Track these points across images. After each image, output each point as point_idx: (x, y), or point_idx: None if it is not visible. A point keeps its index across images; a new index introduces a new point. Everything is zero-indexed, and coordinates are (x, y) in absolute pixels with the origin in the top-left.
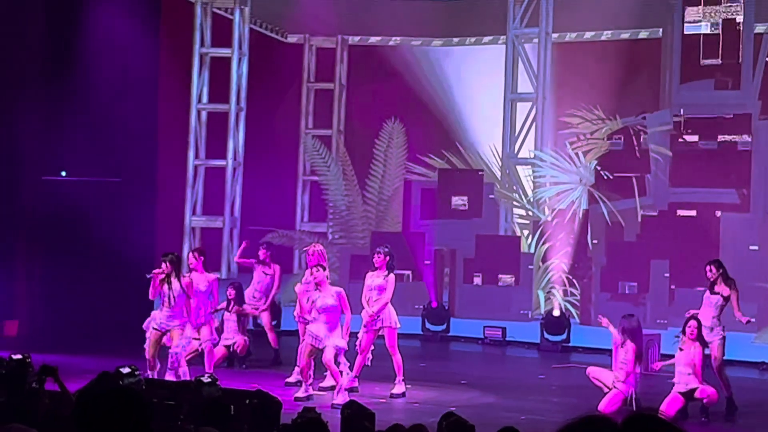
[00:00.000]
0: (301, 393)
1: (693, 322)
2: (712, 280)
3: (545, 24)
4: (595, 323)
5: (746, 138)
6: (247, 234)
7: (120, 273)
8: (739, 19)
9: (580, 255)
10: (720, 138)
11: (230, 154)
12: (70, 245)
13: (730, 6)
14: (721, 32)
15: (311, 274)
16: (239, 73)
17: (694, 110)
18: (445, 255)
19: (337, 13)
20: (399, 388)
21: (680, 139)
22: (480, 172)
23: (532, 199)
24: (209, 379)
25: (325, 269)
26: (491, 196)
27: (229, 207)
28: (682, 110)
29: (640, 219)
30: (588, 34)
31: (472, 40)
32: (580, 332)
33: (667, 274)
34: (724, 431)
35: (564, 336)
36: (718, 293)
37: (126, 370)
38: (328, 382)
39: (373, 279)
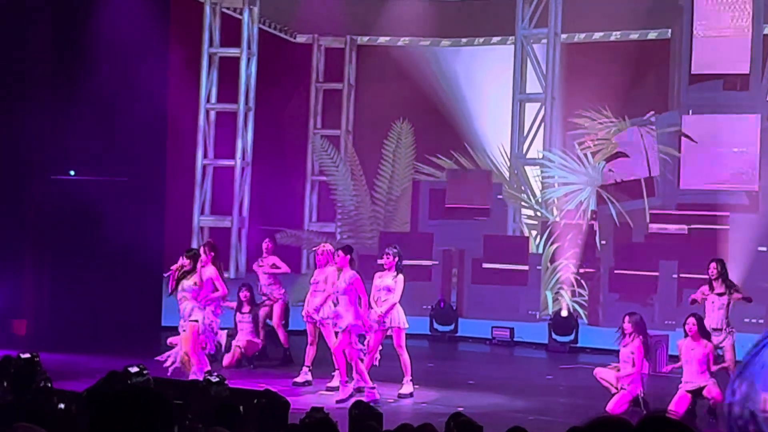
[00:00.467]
0: (341, 395)
1: (691, 319)
2: (712, 278)
3: (554, 24)
4: (602, 324)
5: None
6: (256, 234)
7: (128, 272)
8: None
9: (588, 256)
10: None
11: (239, 154)
12: (79, 245)
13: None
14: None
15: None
16: (248, 72)
17: (703, 111)
18: (454, 255)
19: (345, 13)
20: (407, 388)
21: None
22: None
23: (540, 200)
24: (217, 379)
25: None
26: (500, 197)
27: (238, 207)
28: (690, 111)
29: (648, 220)
30: (597, 35)
31: (481, 40)
32: (588, 333)
33: (675, 275)
34: None
35: (572, 337)
36: (720, 293)
37: (134, 369)
38: (335, 382)
39: (382, 279)
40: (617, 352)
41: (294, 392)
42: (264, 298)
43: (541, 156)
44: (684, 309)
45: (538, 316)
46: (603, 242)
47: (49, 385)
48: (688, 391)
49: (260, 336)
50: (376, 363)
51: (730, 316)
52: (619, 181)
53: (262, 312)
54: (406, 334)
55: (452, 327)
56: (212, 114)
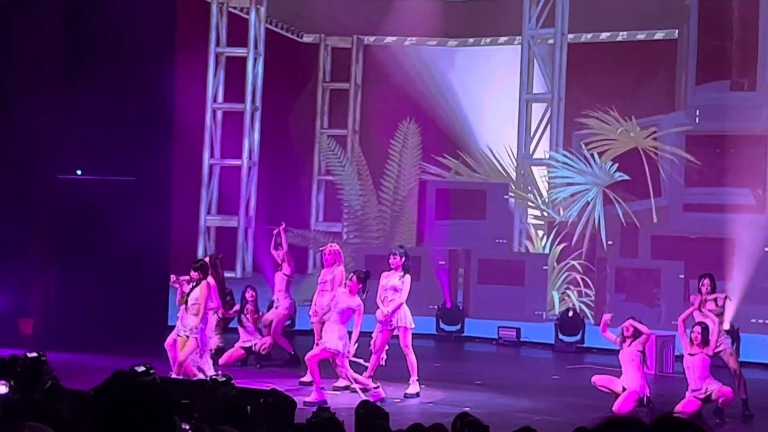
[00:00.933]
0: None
1: (697, 328)
2: (707, 297)
3: (561, 25)
4: (609, 324)
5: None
6: (263, 233)
7: (135, 272)
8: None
9: (594, 256)
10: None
11: (245, 154)
12: (85, 244)
13: None
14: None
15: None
16: (255, 72)
17: (710, 112)
18: (460, 255)
19: (352, 12)
20: (413, 388)
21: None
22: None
23: (547, 200)
24: (224, 378)
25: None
26: (506, 197)
27: (244, 206)
28: (697, 111)
29: (655, 220)
30: (603, 35)
31: (488, 40)
32: (594, 333)
33: (681, 275)
34: None
35: (578, 337)
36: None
37: (141, 368)
38: (342, 382)
39: (388, 279)
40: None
41: (300, 392)
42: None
43: (547, 156)
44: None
45: (544, 316)
46: (609, 242)
47: (55, 384)
48: (697, 398)
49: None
50: (383, 363)
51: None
52: (626, 180)
53: (265, 319)
54: (413, 334)
55: (459, 327)
56: (219, 114)
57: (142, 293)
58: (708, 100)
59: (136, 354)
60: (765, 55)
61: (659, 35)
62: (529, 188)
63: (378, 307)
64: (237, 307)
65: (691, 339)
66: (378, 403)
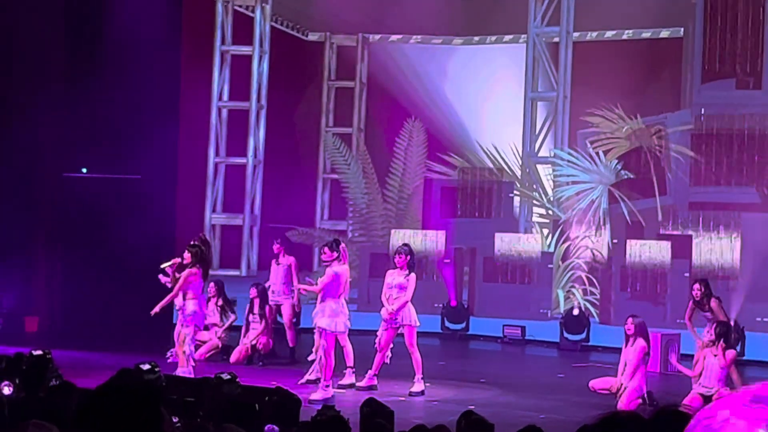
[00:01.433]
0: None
1: (715, 327)
2: (696, 299)
3: (566, 23)
4: (614, 323)
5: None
6: (268, 231)
7: (140, 270)
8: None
9: (599, 254)
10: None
11: (250, 152)
12: (90, 242)
13: None
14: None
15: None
16: (260, 70)
17: (716, 110)
18: (465, 253)
19: (357, 11)
20: (418, 386)
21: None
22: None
23: (552, 198)
24: (229, 377)
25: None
26: (511, 195)
27: (249, 204)
28: (703, 110)
29: (660, 218)
30: (609, 33)
31: (493, 38)
32: (599, 331)
33: (687, 274)
34: None
35: (583, 335)
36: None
37: (146, 366)
38: (347, 380)
39: (394, 277)
40: None
41: (305, 390)
42: (273, 296)
43: (552, 154)
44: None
45: (549, 315)
46: (615, 241)
47: (60, 382)
48: (701, 395)
49: (271, 335)
50: (387, 361)
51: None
52: (631, 179)
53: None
54: (418, 333)
55: (464, 325)
56: (224, 112)
57: (147, 291)
58: (713, 98)
59: (141, 352)
60: None
61: (665, 33)
62: (535, 187)
63: (383, 305)
64: (233, 317)
65: (711, 341)
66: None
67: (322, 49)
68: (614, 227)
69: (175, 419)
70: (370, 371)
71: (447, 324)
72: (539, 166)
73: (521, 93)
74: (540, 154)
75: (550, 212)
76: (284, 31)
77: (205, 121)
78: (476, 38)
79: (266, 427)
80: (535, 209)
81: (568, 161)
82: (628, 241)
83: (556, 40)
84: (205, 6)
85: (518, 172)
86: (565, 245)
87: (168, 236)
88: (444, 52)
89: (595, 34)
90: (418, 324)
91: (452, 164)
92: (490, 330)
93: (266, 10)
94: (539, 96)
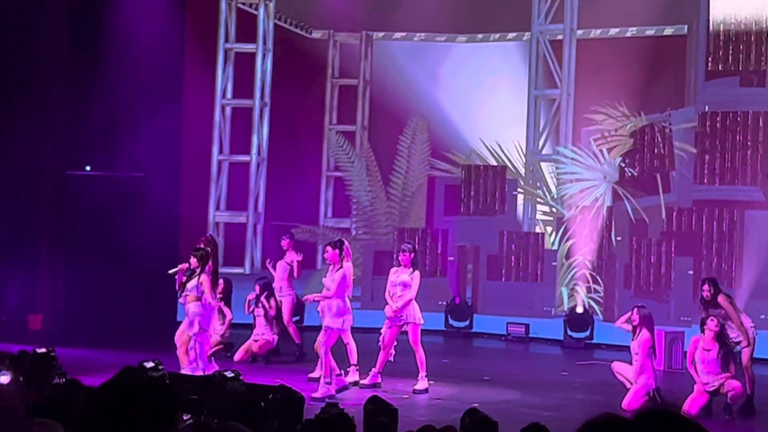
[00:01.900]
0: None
1: (714, 321)
2: (708, 299)
3: (570, 20)
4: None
5: None
6: (271, 229)
7: (143, 268)
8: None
9: (603, 252)
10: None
11: (254, 150)
12: (94, 240)
13: None
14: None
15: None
16: (263, 68)
17: (720, 107)
18: (469, 251)
19: (361, 8)
20: (422, 384)
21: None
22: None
23: (555, 196)
24: (232, 374)
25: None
26: (515, 193)
27: (253, 202)
28: (707, 107)
29: (664, 216)
30: (613, 31)
31: (497, 36)
32: (603, 329)
33: (691, 271)
34: (747, 429)
35: (587, 333)
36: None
37: (150, 364)
38: (351, 377)
39: (398, 275)
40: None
41: (309, 387)
42: (280, 293)
43: (556, 152)
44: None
45: (553, 312)
46: (619, 238)
47: (64, 380)
48: (707, 392)
49: (275, 331)
50: (391, 359)
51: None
52: (635, 176)
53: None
54: (422, 330)
55: (467, 323)
56: (228, 110)
57: (151, 289)
58: (717, 95)
59: (145, 349)
60: None
61: (668, 31)
62: (538, 184)
63: (387, 303)
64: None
65: (703, 329)
66: (339, 391)
67: (325, 47)
68: (618, 225)
69: (186, 416)
70: (373, 369)
71: (451, 321)
72: (543, 164)
73: (525, 90)
74: (544, 152)
75: (554, 210)
76: (288, 28)
77: (209, 119)
78: (480, 36)
79: None
80: (539, 207)
81: (572, 159)
82: (632, 238)
83: (560, 37)
84: (208, 4)
85: (522, 170)
86: (569, 243)
87: (172, 234)
88: (447, 50)
89: (598, 31)
90: (422, 322)
91: (456, 162)
92: (493, 328)
93: (270, 8)
94: (543, 94)
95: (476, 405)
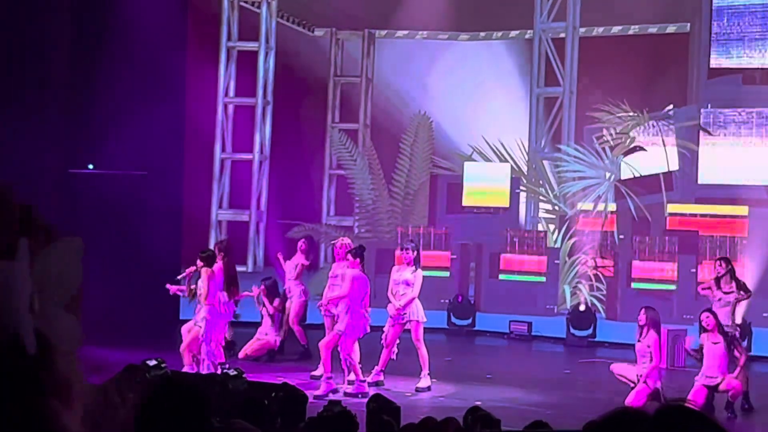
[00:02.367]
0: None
1: (705, 314)
2: (719, 275)
3: (573, 18)
4: (621, 318)
5: None
6: (273, 228)
7: (146, 266)
8: None
9: (606, 250)
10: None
11: (257, 148)
12: (97, 238)
13: None
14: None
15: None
16: (266, 66)
17: (722, 105)
18: (471, 249)
19: (363, 6)
20: (424, 382)
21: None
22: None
23: (558, 194)
24: (235, 372)
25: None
26: (518, 191)
27: (256, 200)
28: (709, 105)
29: (666, 214)
30: (615, 29)
31: (499, 34)
32: (606, 327)
33: (693, 269)
34: (748, 427)
35: (590, 331)
36: (727, 292)
37: (153, 362)
38: (353, 376)
39: (400, 273)
40: (635, 346)
41: (312, 385)
42: (285, 291)
43: (558, 150)
44: (702, 303)
45: (556, 311)
46: (621, 236)
47: None
48: (705, 386)
49: (281, 331)
50: (394, 357)
51: (737, 314)
52: (638, 176)
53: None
54: (424, 328)
55: (470, 321)
56: (230, 108)
57: (154, 287)
58: (720, 93)
59: (148, 348)
60: None
61: (671, 29)
62: (541, 182)
63: (389, 301)
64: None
65: (702, 327)
66: (359, 396)
67: (328, 45)
68: (621, 223)
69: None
70: (376, 367)
71: (453, 320)
72: (545, 162)
73: (527, 88)
74: (546, 150)
75: (557, 208)
76: (290, 27)
77: (212, 117)
78: (482, 34)
79: None
80: (542, 205)
81: (575, 157)
82: (634, 236)
83: (562, 35)
84: (211, 2)
85: (524, 168)
86: (572, 241)
87: (174, 232)
88: (450, 48)
89: (601, 29)
90: (424, 320)
91: (458, 160)
92: (496, 326)
93: (272, 6)
94: (545, 91)
95: (479, 403)
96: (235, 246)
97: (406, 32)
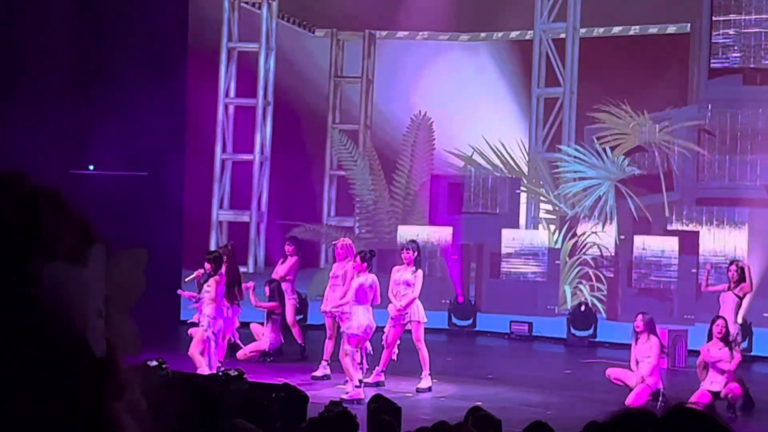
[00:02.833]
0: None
1: (720, 321)
2: (733, 280)
3: (573, 19)
4: (621, 319)
5: None
6: (274, 229)
7: (147, 267)
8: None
9: (606, 250)
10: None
11: (257, 149)
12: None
13: None
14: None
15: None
16: (267, 67)
17: (723, 105)
18: (472, 250)
19: (364, 7)
20: (425, 382)
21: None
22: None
23: (559, 194)
24: (236, 373)
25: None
26: (518, 191)
27: (256, 201)
28: (710, 105)
29: (667, 214)
30: (616, 29)
31: (500, 35)
32: (606, 327)
33: (694, 270)
34: (749, 427)
35: (590, 331)
36: (738, 295)
37: (153, 363)
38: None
39: (401, 274)
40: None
41: (312, 386)
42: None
43: (559, 151)
44: (702, 303)
45: (556, 311)
46: (622, 237)
47: None
48: (710, 391)
49: (278, 333)
50: (395, 357)
51: (741, 313)
52: (638, 175)
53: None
54: (425, 329)
55: (470, 321)
56: (231, 108)
57: (154, 288)
58: (720, 93)
59: (149, 349)
60: None
61: (671, 29)
62: (541, 183)
63: (390, 302)
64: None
65: (712, 333)
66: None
67: (328, 46)
68: (621, 223)
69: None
70: (377, 367)
71: (454, 320)
72: (546, 162)
73: (528, 89)
74: (546, 150)
75: (557, 208)
76: (291, 27)
77: (212, 118)
78: (483, 34)
79: None
80: (542, 205)
81: (575, 157)
82: (635, 236)
83: (563, 36)
84: (211, 3)
85: (525, 169)
86: (572, 241)
87: (175, 233)
88: (450, 49)
89: (601, 30)
90: (425, 320)
91: (459, 160)
92: (497, 326)
93: (273, 6)
94: (546, 92)
95: (479, 403)
96: (235, 247)
97: (406, 33)
